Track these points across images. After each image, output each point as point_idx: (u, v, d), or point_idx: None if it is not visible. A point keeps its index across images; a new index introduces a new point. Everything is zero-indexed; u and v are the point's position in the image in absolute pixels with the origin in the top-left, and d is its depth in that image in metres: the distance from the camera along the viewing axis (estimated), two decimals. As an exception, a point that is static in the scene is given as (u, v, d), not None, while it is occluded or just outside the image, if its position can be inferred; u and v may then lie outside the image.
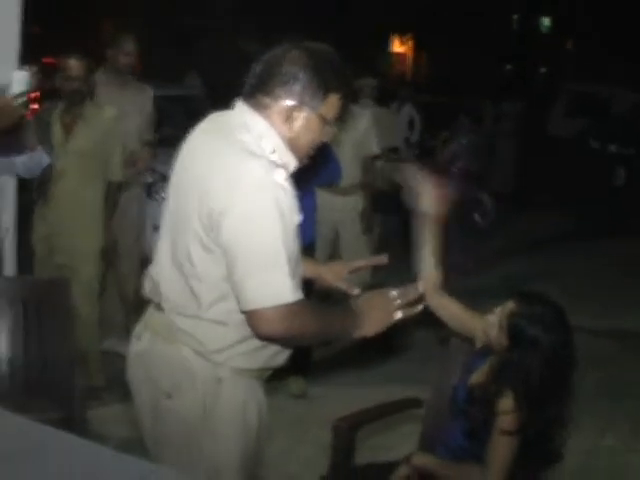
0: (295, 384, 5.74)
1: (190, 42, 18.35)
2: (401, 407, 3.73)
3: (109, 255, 5.49)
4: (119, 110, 5.43)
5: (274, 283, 2.48)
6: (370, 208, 6.74)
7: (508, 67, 30.36)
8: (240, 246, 2.48)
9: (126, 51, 5.90)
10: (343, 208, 6.58)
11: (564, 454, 3.43)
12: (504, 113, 13.83)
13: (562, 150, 14.08)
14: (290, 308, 2.50)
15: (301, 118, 2.61)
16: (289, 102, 2.59)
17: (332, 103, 2.63)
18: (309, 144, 2.68)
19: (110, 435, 4.46)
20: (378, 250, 8.91)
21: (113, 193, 5.39)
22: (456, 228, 8.90)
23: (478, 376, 3.20)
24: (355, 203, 6.65)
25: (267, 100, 2.60)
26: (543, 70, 30.87)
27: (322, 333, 2.72)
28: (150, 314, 2.83)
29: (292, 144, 2.63)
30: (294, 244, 2.58)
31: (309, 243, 5.61)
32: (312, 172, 4.90)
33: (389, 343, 6.17)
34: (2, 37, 4.84)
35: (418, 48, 27.77)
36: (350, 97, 2.73)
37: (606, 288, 8.81)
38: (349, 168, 6.44)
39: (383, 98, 11.18)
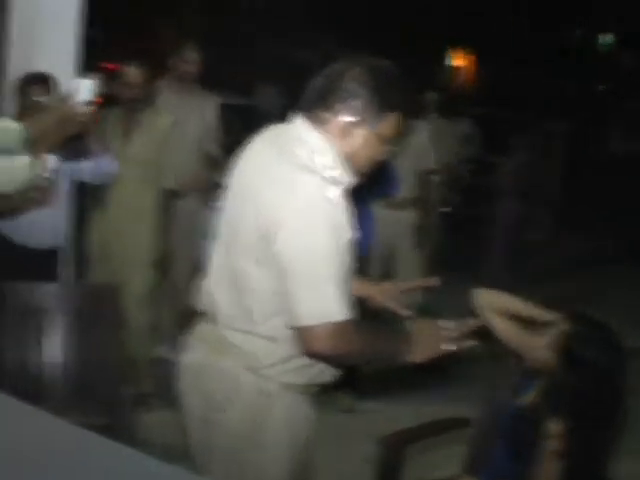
0: (343, 399, 5.71)
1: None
2: (449, 426, 3.69)
3: (164, 263, 5.52)
4: (178, 118, 5.44)
5: (324, 300, 2.47)
6: (426, 223, 6.73)
7: (568, 84, 30.01)
8: (292, 261, 2.47)
9: (188, 59, 5.93)
10: (398, 222, 6.56)
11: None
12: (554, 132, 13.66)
13: (620, 169, 13.88)
14: (339, 326, 2.48)
15: (359, 135, 2.59)
16: (348, 119, 2.57)
17: (392, 122, 2.62)
18: (366, 161, 2.66)
19: (155, 442, 4.46)
20: (433, 266, 8.94)
21: (168, 201, 5.41)
22: (507, 244, 8.90)
23: (527, 397, 3.15)
24: (410, 218, 6.62)
25: (326, 115, 2.59)
26: (602, 88, 30.49)
27: (370, 354, 2.72)
28: (203, 326, 2.84)
29: (349, 160, 2.61)
30: (347, 262, 2.57)
31: (365, 255, 5.62)
32: (371, 184, 4.89)
33: (444, 368, 6.11)
34: (61, 42, 4.90)
35: (480, 62, 27.60)
36: (411, 115, 2.71)
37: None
38: (405, 181, 6.44)
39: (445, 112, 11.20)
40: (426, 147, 6.68)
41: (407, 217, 6.63)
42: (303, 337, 2.51)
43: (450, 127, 8.64)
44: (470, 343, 2.76)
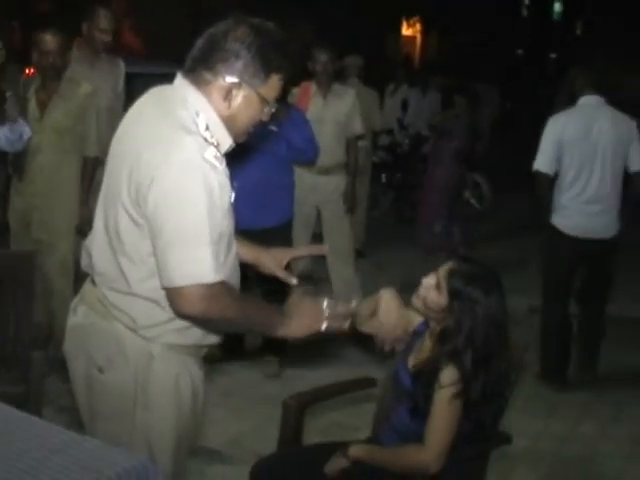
0: (269, 364, 5.75)
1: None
2: (355, 386, 3.71)
3: (85, 230, 5.49)
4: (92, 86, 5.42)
5: (195, 262, 2.45)
6: (353, 188, 6.71)
7: (518, 52, 30.21)
8: (163, 220, 2.45)
9: (101, 27, 5.89)
10: (325, 188, 6.54)
11: (513, 436, 3.46)
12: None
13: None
14: (210, 289, 2.47)
15: (240, 96, 2.58)
16: (229, 79, 2.56)
17: (273, 83, 2.61)
18: (247, 123, 2.66)
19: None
20: (369, 229, 8.98)
21: (89, 168, 5.38)
22: (450, 210, 8.94)
23: (417, 353, 3.19)
24: (338, 183, 6.61)
25: (208, 76, 2.57)
26: (553, 56, 30.72)
27: (243, 322, 2.67)
28: (85, 287, 2.83)
29: (230, 122, 2.61)
30: (224, 224, 2.56)
31: (287, 221, 5.64)
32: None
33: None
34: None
35: (426, 31, 27.62)
36: (293, 80, 2.71)
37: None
38: (332, 147, 6.44)
39: (386, 80, 11.19)
40: (352, 112, 6.64)
41: (335, 182, 6.60)
42: (174, 298, 2.49)
43: (374, 93, 8.62)
44: (345, 327, 2.77)
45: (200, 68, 2.58)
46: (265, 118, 2.68)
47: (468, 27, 24.60)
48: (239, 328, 2.72)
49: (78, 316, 2.81)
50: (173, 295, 2.49)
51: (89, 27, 5.86)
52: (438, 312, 3.08)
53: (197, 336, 2.70)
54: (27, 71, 6.37)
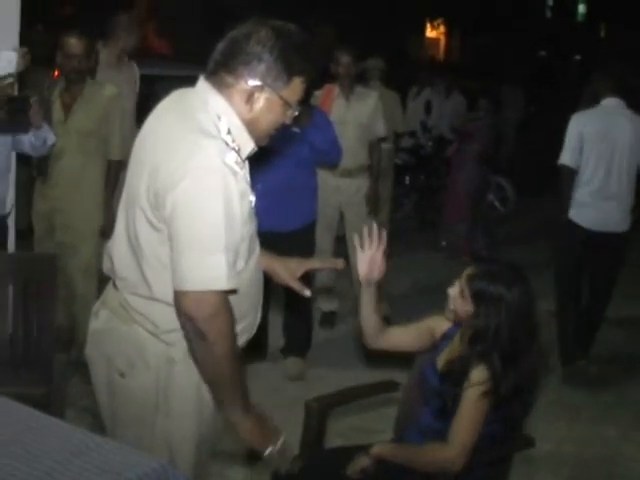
0: (292, 365, 5.75)
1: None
2: (377, 390, 3.70)
3: (109, 233, 5.51)
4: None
5: (209, 268, 2.43)
6: (376, 190, 6.69)
7: (542, 54, 30.08)
8: (179, 225, 2.44)
9: (127, 32, 5.92)
10: (348, 190, 6.54)
11: (536, 440, 3.45)
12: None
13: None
14: (220, 297, 2.46)
15: (262, 99, 2.57)
16: (251, 82, 2.54)
17: (295, 86, 2.59)
18: (269, 126, 2.64)
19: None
20: (391, 231, 8.95)
21: (113, 172, 5.40)
22: (474, 212, 8.92)
23: (446, 354, 3.21)
24: (360, 185, 6.60)
25: (230, 79, 2.55)
26: (577, 57, 30.57)
27: (225, 364, 2.54)
28: (107, 292, 2.83)
29: (251, 125, 2.60)
30: (244, 230, 2.55)
31: (310, 223, 5.63)
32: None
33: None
34: (2, 20, 4.87)
35: (450, 33, 27.62)
36: (315, 82, 2.69)
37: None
38: (355, 149, 6.43)
39: (409, 82, 11.16)
40: (375, 114, 6.63)
41: (358, 184, 6.59)
42: (180, 299, 2.48)
43: (397, 96, 8.59)
44: (283, 469, 2.74)
45: (222, 71, 2.56)
46: (288, 121, 2.66)
47: (491, 29, 24.56)
48: (211, 372, 2.58)
49: (100, 320, 2.81)
50: (180, 297, 2.47)
51: (113, 32, 5.89)
52: (468, 318, 3.11)
53: None
54: (52, 74, 6.41)
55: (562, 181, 5.82)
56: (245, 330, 2.76)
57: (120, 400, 2.74)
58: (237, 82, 2.55)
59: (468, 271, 3.12)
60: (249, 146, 2.62)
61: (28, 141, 4.73)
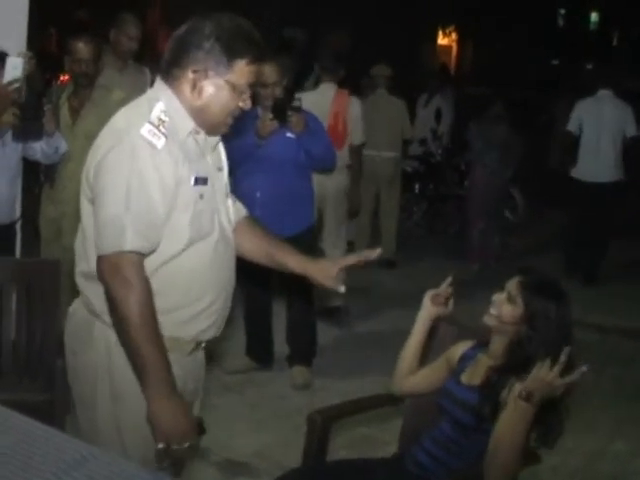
0: (298, 374, 5.71)
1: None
2: (382, 402, 3.65)
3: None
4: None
5: (112, 229, 2.50)
6: (357, 190, 7.22)
7: (554, 62, 30.02)
8: (95, 191, 2.55)
9: (128, 34, 5.89)
10: (329, 185, 6.72)
11: (545, 453, 3.40)
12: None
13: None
14: (128, 262, 2.49)
15: (210, 86, 2.64)
16: (193, 69, 2.61)
17: (240, 69, 2.63)
18: (222, 112, 2.69)
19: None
20: (400, 239, 8.94)
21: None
22: (489, 220, 8.86)
23: (473, 369, 3.19)
24: (340, 181, 6.90)
25: (177, 72, 2.65)
26: (589, 66, 30.51)
27: (138, 335, 2.50)
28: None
29: (203, 112, 2.66)
30: (168, 206, 2.58)
31: (310, 227, 5.63)
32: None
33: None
34: (11, 24, 4.85)
35: (462, 41, 27.59)
36: (261, 60, 2.68)
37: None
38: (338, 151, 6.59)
39: (419, 89, 11.14)
40: (356, 122, 7.05)
41: (337, 180, 6.85)
42: (97, 268, 2.54)
43: (403, 103, 8.63)
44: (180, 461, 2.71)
45: (171, 68, 2.66)
46: (245, 106, 2.70)
47: (503, 37, 24.53)
48: (127, 348, 2.53)
49: (73, 306, 2.89)
50: (97, 263, 2.54)
51: (116, 34, 5.87)
52: (513, 324, 3.09)
53: (168, 327, 2.63)
54: (61, 78, 6.40)
55: (566, 142, 8.75)
56: (206, 315, 2.75)
57: (70, 379, 2.83)
58: (183, 73, 2.64)
59: (519, 278, 3.13)
60: (187, 126, 2.66)
61: (40, 148, 4.73)
